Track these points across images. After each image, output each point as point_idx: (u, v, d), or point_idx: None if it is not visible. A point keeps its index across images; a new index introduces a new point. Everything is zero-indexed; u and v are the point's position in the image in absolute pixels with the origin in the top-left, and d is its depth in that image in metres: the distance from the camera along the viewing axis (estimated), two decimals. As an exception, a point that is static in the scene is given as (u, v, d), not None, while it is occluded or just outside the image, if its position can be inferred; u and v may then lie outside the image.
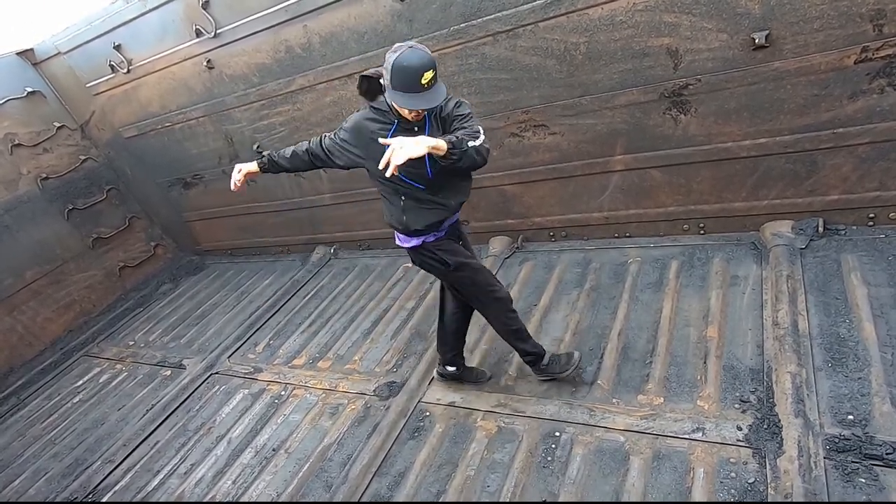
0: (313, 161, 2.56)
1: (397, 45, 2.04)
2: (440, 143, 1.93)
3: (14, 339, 5.10)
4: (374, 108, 2.25)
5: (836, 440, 2.11)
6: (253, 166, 2.71)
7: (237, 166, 2.70)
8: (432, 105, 2.03)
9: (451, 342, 2.93)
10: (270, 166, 2.71)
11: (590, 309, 3.31)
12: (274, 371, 3.85)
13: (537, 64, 3.34)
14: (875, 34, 2.57)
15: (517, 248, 4.19)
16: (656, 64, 3.06)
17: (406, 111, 2.11)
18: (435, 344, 3.41)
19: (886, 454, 2.01)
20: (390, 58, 2.00)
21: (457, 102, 2.26)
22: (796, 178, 3.12)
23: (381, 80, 2.14)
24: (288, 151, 2.62)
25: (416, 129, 2.21)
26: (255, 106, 4.59)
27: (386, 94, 2.09)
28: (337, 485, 2.73)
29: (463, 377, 3.05)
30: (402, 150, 1.86)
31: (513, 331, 2.69)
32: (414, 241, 2.50)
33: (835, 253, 3.01)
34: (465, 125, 2.16)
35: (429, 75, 1.97)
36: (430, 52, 2.01)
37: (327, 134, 2.46)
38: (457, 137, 2.00)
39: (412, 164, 1.97)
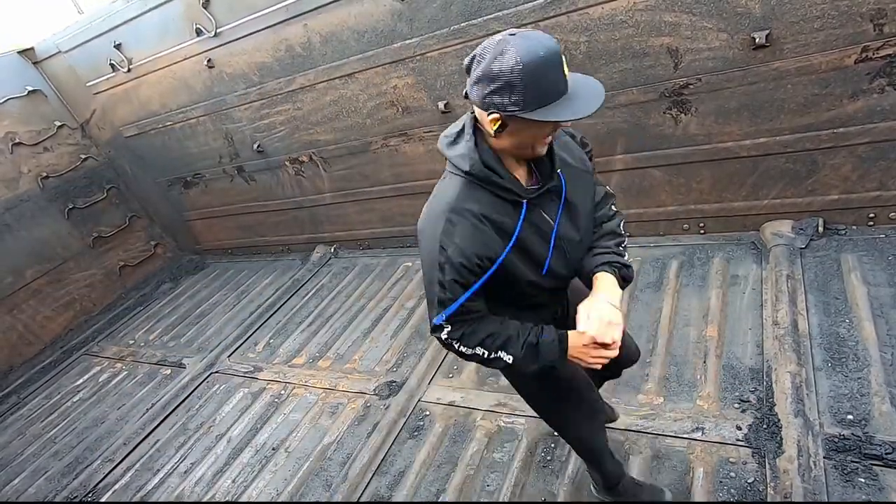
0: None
1: (487, 43, 1.20)
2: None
3: (14, 338, 5.10)
4: (471, 178, 1.33)
5: (836, 440, 2.11)
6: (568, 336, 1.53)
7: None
8: (592, 107, 1.20)
9: None
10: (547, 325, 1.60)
11: (590, 308, 3.30)
12: (274, 370, 3.85)
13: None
14: (875, 34, 2.57)
15: (517, 247, 4.19)
16: (656, 63, 3.06)
17: (521, 172, 1.38)
18: (434, 344, 3.43)
19: (886, 454, 2.01)
20: (496, 65, 1.16)
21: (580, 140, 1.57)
22: (796, 177, 3.12)
23: (492, 117, 1.23)
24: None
25: (540, 202, 1.40)
26: (255, 105, 4.59)
27: (529, 116, 1.18)
28: (336, 484, 2.73)
29: None
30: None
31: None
32: None
33: (835, 253, 3.01)
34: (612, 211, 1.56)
35: (565, 63, 1.20)
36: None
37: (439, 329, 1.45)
38: (619, 251, 1.49)
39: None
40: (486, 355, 1.41)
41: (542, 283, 1.45)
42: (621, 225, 1.57)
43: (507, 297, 1.46)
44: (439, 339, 1.43)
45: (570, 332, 1.42)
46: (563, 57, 1.19)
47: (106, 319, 5.59)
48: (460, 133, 1.36)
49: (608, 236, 1.53)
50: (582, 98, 1.20)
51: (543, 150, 1.32)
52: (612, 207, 1.60)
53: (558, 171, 1.40)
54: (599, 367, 1.41)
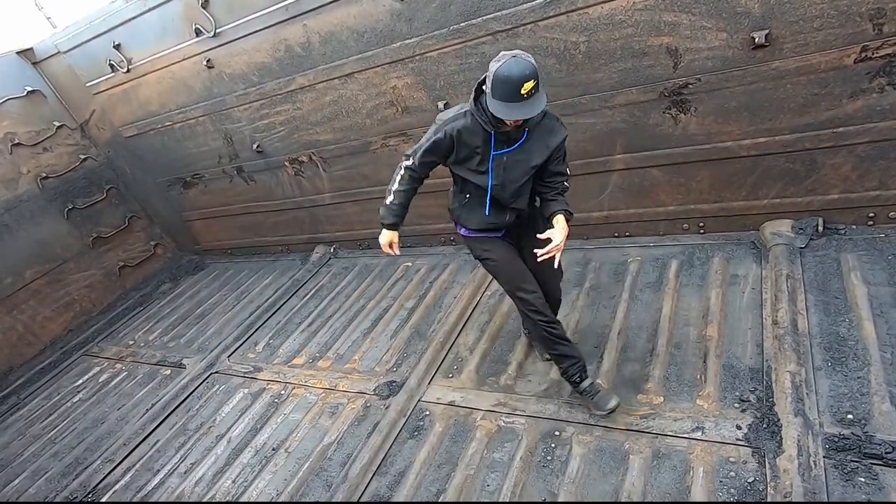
0: (416, 187, 2.52)
1: (502, 53, 2.03)
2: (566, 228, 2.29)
3: (14, 339, 5.10)
4: (472, 113, 2.21)
5: (836, 439, 2.11)
6: (393, 235, 2.68)
7: (386, 244, 2.70)
8: (530, 115, 2.04)
9: None
10: (400, 219, 2.62)
11: (589, 308, 3.31)
12: (274, 370, 3.85)
13: (537, 63, 3.33)
14: (875, 33, 2.57)
15: (517, 247, 4.19)
16: (656, 63, 3.06)
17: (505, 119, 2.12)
18: (434, 344, 3.43)
19: (886, 453, 2.01)
20: (493, 67, 2.01)
21: (559, 124, 2.31)
22: (796, 177, 3.12)
23: (483, 87, 2.13)
24: (398, 197, 2.50)
25: (513, 139, 2.23)
26: (254, 105, 4.59)
27: (487, 101, 2.08)
28: (337, 484, 2.73)
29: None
30: (561, 244, 2.23)
31: (540, 337, 2.60)
32: (461, 231, 2.66)
33: (834, 252, 3.01)
34: (562, 170, 2.36)
35: (529, 86, 1.97)
36: (533, 62, 2.00)
37: (406, 159, 2.41)
38: (567, 205, 2.36)
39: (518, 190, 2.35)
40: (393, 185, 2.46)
41: (483, 186, 2.34)
42: (566, 193, 2.41)
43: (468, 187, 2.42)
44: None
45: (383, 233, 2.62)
46: (533, 82, 1.97)
47: (106, 320, 5.59)
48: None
49: (561, 198, 2.37)
50: (521, 110, 2.02)
51: (507, 127, 2.15)
52: (565, 183, 2.39)
53: (523, 138, 2.25)
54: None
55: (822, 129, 2.91)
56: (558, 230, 2.25)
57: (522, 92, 1.97)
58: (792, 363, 2.42)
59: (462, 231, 2.64)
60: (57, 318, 5.43)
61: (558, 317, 3.05)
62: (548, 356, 2.98)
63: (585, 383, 2.57)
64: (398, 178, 2.44)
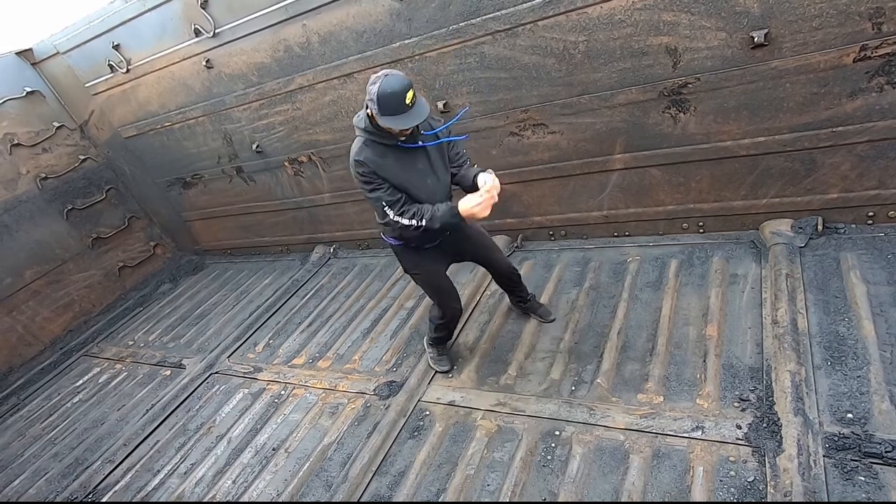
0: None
1: (373, 76, 2.22)
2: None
3: (13, 339, 5.10)
4: (371, 135, 2.38)
5: (836, 438, 2.12)
6: (471, 196, 2.47)
7: (479, 201, 2.39)
8: (421, 119, 2.23)
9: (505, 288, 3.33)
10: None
11: (589, 308, 3.31)
12: (274, 370, 3.85)
13: (536, 63, 3.34)
14: (874, 32, 2.57)
15: (517, 247, 4.19)
16: (655, 63, 3.06)
17: (396, 130, 2.29)
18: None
19: (886, 452, 2.01)
20: (372, 89, 2.18)
21: (435, 118, 2.60)
22: (795, 176, 3.12)
23: (369, 112, 2.31)
24: (425, 210, 2.47)
25: (410, 144, 2.44)
26: (254, 105, 4.59)
27: (379, 121, 2.25)
28: (337, 484, 2.73)
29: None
30: (498, 184, 2.39)
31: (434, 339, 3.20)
32: (391, 242, 2.81)
33: (834, 251, 3.01)
34: (460, 150, 2.65)
35: (411, 94, 2.18)
36: (404, 75, 2.21)
37: (389, 210, 2.44)
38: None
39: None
40: (415, 223, 2.42)
41: (419, 193, 2.50)
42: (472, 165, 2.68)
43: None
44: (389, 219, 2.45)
45: (460, 200, 2.41)
46: (412, 91, 2.18)
47: (105, 320, 5.59)
48: (361, 117, 2.41)
49: (471, 168, 2.61)
50: (412, 117, 2.22)
51: (402, 136, 2.35)
52: (467, 159, 2.68)
53: (419, 141, 2.46)
54: (486, 213, 2.36)
55: (821, 129, 2.91)
56: (490, 175, 2.44)
57: (407, 102, 2.17)
58: (792, 362, 2.42)
59: (393, 243, 2.76)
60: (56, 319, 5.43)
61: (556, 322, 3.28)
62: (539, 318, 3.35)
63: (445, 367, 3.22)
64: (409, 213, 2.43)
